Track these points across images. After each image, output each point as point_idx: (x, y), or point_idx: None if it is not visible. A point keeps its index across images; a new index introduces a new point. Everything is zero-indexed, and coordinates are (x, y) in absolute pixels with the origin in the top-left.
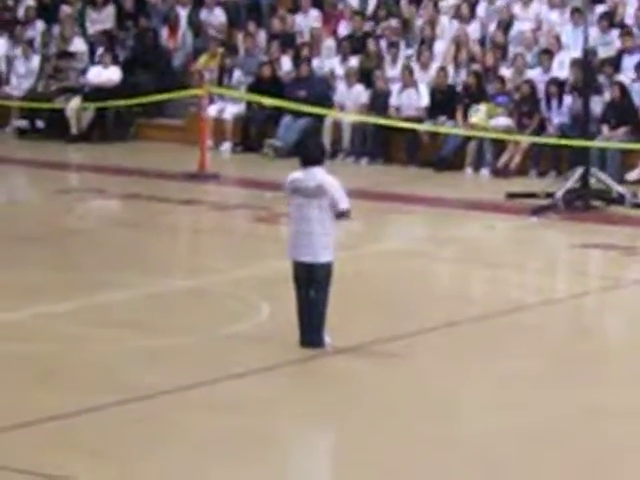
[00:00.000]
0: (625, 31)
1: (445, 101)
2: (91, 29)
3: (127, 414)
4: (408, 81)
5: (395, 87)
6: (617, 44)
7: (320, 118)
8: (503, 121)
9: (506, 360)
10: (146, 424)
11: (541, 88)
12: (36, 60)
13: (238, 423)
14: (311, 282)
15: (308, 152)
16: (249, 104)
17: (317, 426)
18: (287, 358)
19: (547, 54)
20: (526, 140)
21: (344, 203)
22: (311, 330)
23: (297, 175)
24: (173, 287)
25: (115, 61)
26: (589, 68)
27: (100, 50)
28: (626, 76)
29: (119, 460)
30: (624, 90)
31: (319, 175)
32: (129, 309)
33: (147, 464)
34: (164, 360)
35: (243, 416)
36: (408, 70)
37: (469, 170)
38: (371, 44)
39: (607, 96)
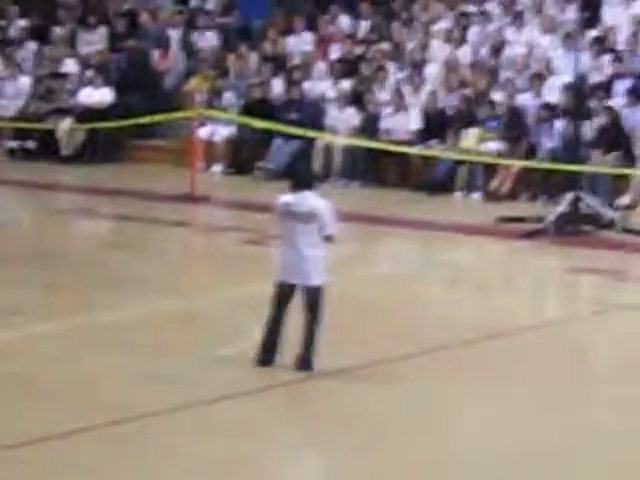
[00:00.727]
0: (617, 56)
1: (436, 125)
2: (83, 50)
3: (116, 436)
4: (399, 104)
5: (386, 110)
6: (608, 69)
7: (311, 141)
8: (493, 146)
9: (496, 383)
10: (135, 446)
11: (532, 113)
12: (25, 81)
13: (227, 445)
14: (304, 306)
15: (298, 176)
16: (240, 126)
17: (307, 450)
18: (278, 380)
19: (538, 78)
20: (517, 164)
21: (332, 228)
22: (302, 353)
23: (288, 199)
24: (163, 308)
25: (106, 82)
26: (580, 93)
27: (91, 71)
28: (617, 101)
29: None
30: (615, 115)
31: (310, 200)
32: (119, 330)
33: None
34: (153, 381)
35: (233, 438)
36: (399, 93)
37: (460, 194)
38: (364, 67)
39: (598, 121)
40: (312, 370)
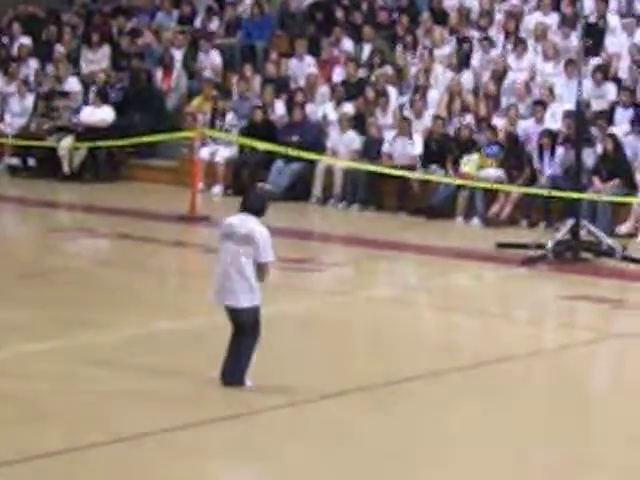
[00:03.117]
0: (621, 85)
1: (438, 150)
2: (86, 69)
3: (112, 455)
4: (403, 129)
5: (389, 134)
6: (610, 97)
7: (312, 163)
8: (493, 172)
9: (491, 410)
10: (130, 466)
11: (534, 139)
12: (31, 98)
13: (222, 467)
14: (236, 327)
15: (250, 200)
16: (241, 147)
17: (303, 474)
18: (275, 403)
19: (540, 105)
20: (517, 191)
21: (268, 256)
22: (233, 370)
23: (232, 220)
24: (160, 328)
25: (105, 101)
26: (582, 120)
27: (92, 90)
28: (619, 129)
29: None
30: (617, 143)
31: (251, 224)
32: (116, 349)
33: None
34: (150, 402)
35: (228, 460)
36: (404, 117)
37: (460, 219)
38: (366, 91)
39: (599, 148)
40: (242, 386)
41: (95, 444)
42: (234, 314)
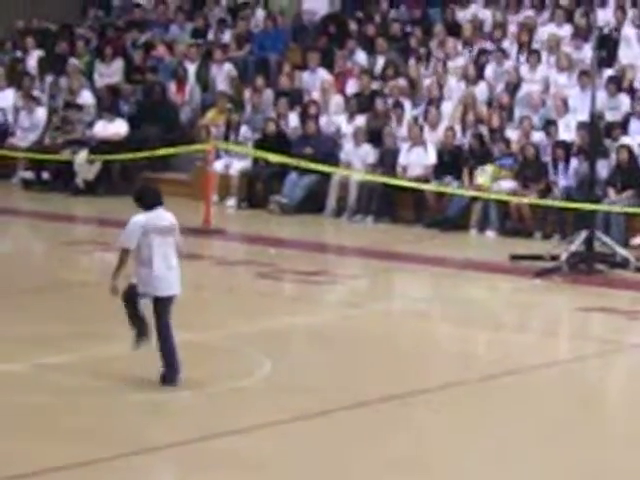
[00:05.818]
0: (635, 96)
1: (452, 161)
2: (99, 82)
3: (126, 468)
4: (417, 139)
5: (404, 146)
6: (624, 108)
7: (326, 175)
8: (507, 184)
9: (505, 422)
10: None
11: (548, 150)
12: (40, 113)
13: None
14: (167, 317)
15: (151, 195)
16: (255, 160)
17: None
18: (290, 415)
19: (551, 123)
20: (532, 202)
21: (181, 241)
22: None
23: (150, 215)
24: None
25: (118, 114)
26: (596, 131)
27: (106, 103)
28: (633, 140)
29: None
30: (631, 154)
31: (166, 215)
32: (131, 362)
33: None
34: (165, 414)
35: (244, 472)
36: (418, 127)
37: (474, 231)
38: (379, 103)
39: (613, 160)
40: (175, 384)
41: (111, 457)
42: (171, 303)
